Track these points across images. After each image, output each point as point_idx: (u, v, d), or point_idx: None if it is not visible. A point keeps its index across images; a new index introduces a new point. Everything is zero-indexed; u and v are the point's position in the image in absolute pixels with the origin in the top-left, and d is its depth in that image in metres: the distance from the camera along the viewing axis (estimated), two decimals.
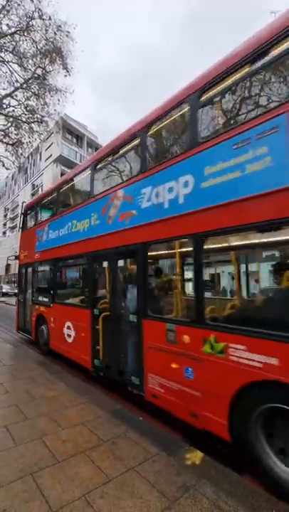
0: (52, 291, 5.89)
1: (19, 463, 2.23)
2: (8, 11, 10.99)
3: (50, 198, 6.50)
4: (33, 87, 12.70)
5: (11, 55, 11.72)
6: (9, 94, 12.35)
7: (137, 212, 3.57)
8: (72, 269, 5.91)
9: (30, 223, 7.45)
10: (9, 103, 12.66)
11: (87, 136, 53.90)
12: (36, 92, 12.74)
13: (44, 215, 6.75)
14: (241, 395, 2.29)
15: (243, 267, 3.35)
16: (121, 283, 4.20)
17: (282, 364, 2.02)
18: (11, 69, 11.91)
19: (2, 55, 11.57)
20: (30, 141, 13.66)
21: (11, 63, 11.85)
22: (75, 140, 51.67)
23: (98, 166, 4.59)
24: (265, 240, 2.87)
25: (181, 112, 3.25)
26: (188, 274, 3.08)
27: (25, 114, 13.06)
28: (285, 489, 2.02)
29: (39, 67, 12.31)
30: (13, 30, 11.30)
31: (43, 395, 3.65)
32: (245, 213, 2.37)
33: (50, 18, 11.45)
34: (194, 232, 2.79)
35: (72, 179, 5.63)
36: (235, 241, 3.09)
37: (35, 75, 12.35)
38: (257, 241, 2.94)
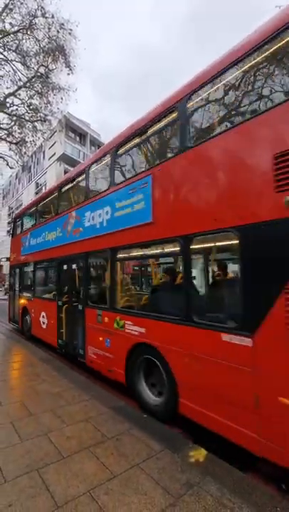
0: (32, 288, 7.28)
1: (25, 458, 2.25)
2: (11, 10, 10.98)
3: (31, 210, 7.87)
4: (36, 85, 12.71)
5: (14, 53, 11.73)
6: (12, 93, 12.38)
7: (83, 229, 4.81)
8: (46, 270, 7.11)
9: (18, 231, 8.83)
10: (12, 102, 12.69)
11: (90, 134, 53.85)
12: (39, 91, 12.75)
13: (28, 225, 8.12)
14: (130, 353, 3.60)
15: (137, 272, 4.88)
16: (75, 281, 5.49)
17: (147, 332, 3.36)
18: (14, 68, 11.93)
19: (5, 53, 11.59)
20: (33, 140, 13.69)
21: (14, 62, 11.88)
22: (78, 138, 51.66)
23: (62, 190, 5.95)
24: (148, 253, 4.12)
25: (106, 160, 4.52)
26: (108, 276, 4.27)
27: (29, 113, 13.08)
28: (151, 407, 3.31)
29: (42, 65, 12.31)
30: (16, 28, 11.30)
31: (48, 391, 3.68)
32: (134, 236, 3.65)
33: (52, 16, 11.43)
34: (111, 246, 4.08)
35: (45, 198, 6.96)
36: (134, 252, 4.20)
37: (38, 74, 12.36)
38: (142, 253, 4.17)
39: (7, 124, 13.29)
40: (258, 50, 2.45)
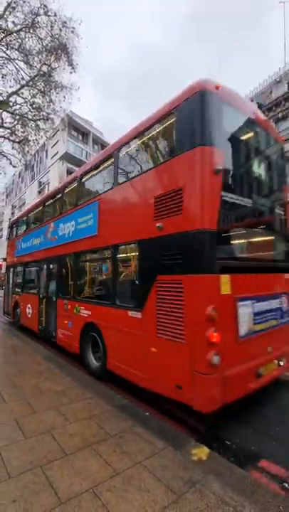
0: (22, 285, 8.66)
1: (29, 455, 2.27)
2: (13, 8, 10.97)
3: (23, 219, 9.40)
4: (38, 84, 12.71)
5: (16, 52, 11.73)
6: (15, 92, 12.38)
7: (57, 237, 6.12)
8: (32, 270, 8.18)
9: (13, 235, 10.33)
10: (15, 101, 12.70)
11: (93, 133, 53.78)
12: (42, 90, 12.75)
13: (20, 231, 9.55)
14: (82, 330, 4.87)
15: (90, 270, 5.77)
16: (51, 279, 6.63)
17: (92, 313, 4.66)
18: (17, 66, 11.93)
19: (8, 52, 11.59)
20: (36, 139, 13.71)
21: (17, 61, 11.88)
22: (80, 137, 51.61)
23: (46, 204, 7.47)
24: (97, 256, 5.32)
25: (73, 185, 5.99)
26: (72, 274, 5.69)
27: (32, 112, 13.09)
28: (93, 369, 4.55)
29: (44, 64, 12.30)
30: (18, 27, 11.29)
31: (51, 388, 3.70)
32: (88, 244, 4.96)
33: (55, 15, 11.41)
34: (74, 251, 5.44)
35: (33, 209, 8.53)
36: (89, 256, 5.38)
37: (41, 72, 12.35)
38: (94, 256, 5.37)
39: (10, 123, 13.31)
40: (136, 139, 4.21)
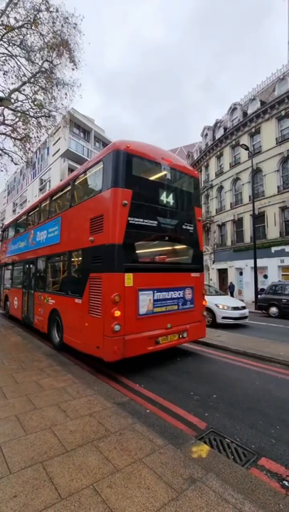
0: (11, 280, 10.42)
1: (30, 451, 2.28)
2: (15, 4, 10.90)
3: (13, 224, 11.31)
4: (40, 81, 12.65)
5: (18, 49, 11.67)
6: (17, 89, 12.34)
7: (35, 243, 7.86)
8: (19, 268, 9.70)
9: (4, 238, 12.35)
10: (17, 98, 12.66)
11: (95, 131, 53.61)
12: (44, 86, 12.69)
13: (11, 234, 11.33)
14: (49, 315, 6.44)
15: (56, 269, 7.05)
16: (31, 276, 8.22)
17: (55, 302, 6.29)
18: (18, 63, 11.87)
19: (10, 49, 11.53)
20: (38, 136, 13.68)
21: (18, 57, 11.82)
22: (82, 134, 51.47)
23: (29, 214, 9.27)
24: (59, 259, 6.62)
25: (45, 202, 7.71)
26: (45, 272, 7.35)
27: (33, 109, 13.05)
28: (56, 343, 6.12)
29: (46, 60, 12.23)
30: (20, 23, 11.23)
31: (52, 385, 3.72)
32: (55, 249, 6.54)
33: (57, 10, 11.33)
34: (46, 254, 7.07)
35: (20, 218, 10.50)
36: (54, 258, 6.85)
37: (43, 69, 12.29)
38: (57, 259, 6.72)
39: (12, 120, 13.28)
40: (68, 185, 6.44)
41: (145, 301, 4.75)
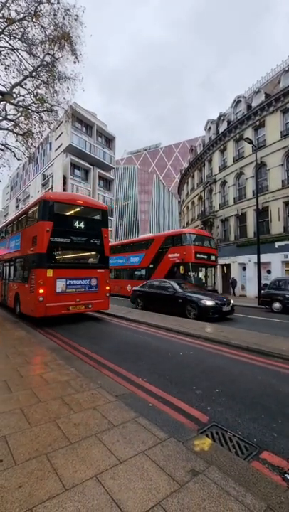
0: (2, 274, 13.44)
1: (34, 443, 2.32)
2: None
3: None
4: (42, 74, 12.53)
5: (19, 42, 11.55)
6: (19, 83, 12.24)
7: (10, 248, 11.85)
8: (2, 265, 13.24)
9: None
10: (19, 92, 12.58)
11: (97, 125, 53.18)
12: (45, 80, 12.58)
13: None
14: (15, 296, 10.37)
15: (19, 266, 10.56)
16: (8, 271, 11.87)
17: (17, 287, 10.27)
18: (20, 57, 11.76)
19: (11, 42, 11.41)
20: (40, 131, 13.60)
21: (19, 51, 11.70)
22: (84, 129, 51.10)
23: (8, 227, 13.14)
24: (20, 260, 10.27)
25: (13, 222, 12.27)
26: (13, 269, 11.30)
27: (35, 104, 12.96)
28: (17, 313, 10.01)
29: (48, 54, 12.10)
30: (21, 16, 11.09)
31: (56, 379, 3.77)
32: (17, 253, 10.74)
33: (58, 2, 11.16)
34: (13, 257, 11.24)
35: (1, 229, 14.78)
36: (18, 259, 10.60)
37: (44, 62, 12.17)
38: (19, 260, 10.46)
39: (14, 115, 13.21)
40: (24, 215, 10.71)
41: (60, 285, 8.46)
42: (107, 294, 9.85)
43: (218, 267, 26.04)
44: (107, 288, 9.85)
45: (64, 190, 48.08)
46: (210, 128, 29.48)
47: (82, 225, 9.23)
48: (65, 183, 48.30)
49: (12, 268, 11.30)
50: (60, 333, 7.41)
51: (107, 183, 57.43)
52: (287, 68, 20.82)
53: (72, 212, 9.29)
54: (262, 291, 14.27)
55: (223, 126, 26.14)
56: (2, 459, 2.12)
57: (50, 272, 8.22)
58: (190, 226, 34.63)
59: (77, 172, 50.52)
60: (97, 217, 9.97)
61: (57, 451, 2.23)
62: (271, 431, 2.83)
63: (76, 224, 9.10)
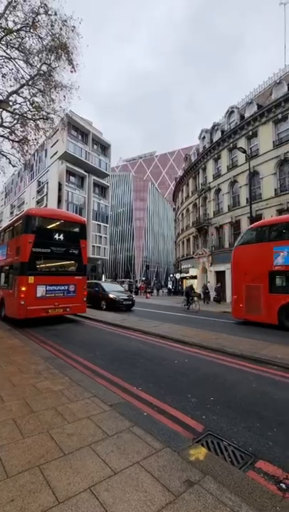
0: None
1: (27, 455, 2.27)
2: (14, 7, 10.94)
3: None
4: (38, 83, 12.68)
5: (17, 51, 11.70)
6: (15, 91, 12.35)
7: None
8: None
9: None
10: (15, 100, 12.67)
11: (92, 133, 53.66)
12: (42, 89, 12.71)
13: None
14: (0, 300, 11.13)
15: (5, 274, 11.40)
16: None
17: (2, 293, 11.03)
18: (17, 66, 11.90)
19: (8, 51, 11.56)
20: (36, 139, 13.67)
21: (17, 60, 11.85)
22: (80, 137, 51.52)
23: None
24: (6, 268, 11.25)
25: (2, 233, 13.14)
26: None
27: (31, 111, 13.06)
28: (1, 317, 10.83)
29: (45, 63, 12.27)
30: (19, 26, 11.27)
31: (49, 388, 3.71)
32: (3, 263, 11.65)
33: (55, 14, 11.37)
34: (1, 265, 11.95)
35: None
36: (4, 268, 11.56)
37: (41, 72, 12.32)
38: (5, 268, 11.38)
39: (10, 122, 13.28)
40: (10, 227, 11.67)
41: (40, 290, 9.33)
42: (84, 299, 10.89)
43: (213, 273, 26.19)
44: (85, 293, 10.88)
45: (59, 196, 48.08)
46: (204, 137, 30.04)
47: (61, 237, 10.20)
48: (60, 189, 48.33)
49: None
50: (53, 340, 7.31)
51: (103, 190, 57.66)
52: (278, 81, 21.49)
53: (53, 225, 10.30)
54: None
55: (217, 136, 26.66)
56: None
57: (31, 279, 9.16)
58: (185, 233, 34.87)
59: (72, 179, 50.66)
60: (76, 229, 10.97)
61: (50, 462, 2.18)
62: (266, 439, 2.83)
63: (56, 236, 10.11)
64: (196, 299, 17.74)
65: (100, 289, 15.85)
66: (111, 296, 15.03)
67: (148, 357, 5.90)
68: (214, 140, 27.10)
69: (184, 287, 27.60)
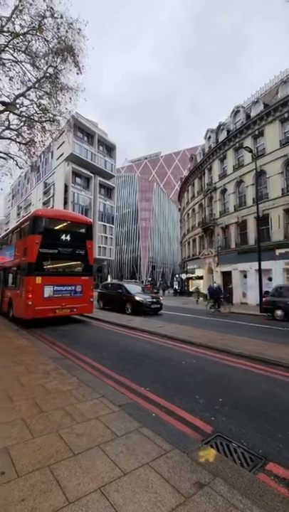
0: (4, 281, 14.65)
1: (37, 454, 2.29)
2: (20, 11, 11.07)
3: None
4: (45, 86, 12.80)
5: (23, 54, 11.83)
6: (22, 94, 12.49)
7: (10, 258, 12.10)
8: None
9: None
10: (22, 103, 12.82)
11: (98, 134, 53.91)
12: (48, 91, 12.83)
13: None
14: (8, 302, 11.10)
15: (13, 274, 11.41)
16: (3, 278, 12.84)
17: (10, 294, 11.16)
18: (23, 69, 12.04)
19: (15, 55, 11.70)
20: (42, 140, 13.80)
21: (23, 63, 11.98)
22: (86, 138, 51.83)
23: (4, 239, 14.55)
24: (14, 269, 11.14)
25: (8, 236, 13.89)
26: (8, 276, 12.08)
27: (38, 114, 13.19)
28: (10, 318, 10.68)
29: (51, 66, 12.38)
30: (25, 29, 11.40)
31: (58, 389, 3.73)
32: (12, 263, 11.46)
33: (61, 17, 11.47)
34: (10, 265, 11.67)
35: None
36: (12, 268, 11.44)
37: (47, 74, 12.44)
38: (13, 269, 11.31)
39: (17, 124, 13.44)
40: (18, 228, 11.82)
41: (48, 290, 9.35)
42: (91, 299, 10.79)
43: (219, 274, 26.02)
44: (91, 293, 10.84)
45: (65, 198, 48.41)
46: (210, 137, 29.89)
47: (68, 237, 10.24)
48: (66, 191, 48.69)
49: (6, 276, 12.13)
50: (60, 340, 7.36)
51: (108, 191, 57.88)
52: (285, 79, 21.25)
53: (60, 226, 10.34)
54: (263, 299, 14.21)
55: (223, 136, 26.50)
56: (4, 471, 2.09)
57: (38, 280, 9.18)
58: (191, 233, 34.75)
59: (78, 180, 50.99)
60: (83, 230, 11.00)
61: (60, 462, 2.20)
62: (276, 441, 2.79)
63: (63, 237, 10.15)
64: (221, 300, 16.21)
65: (124, 290, 14.36)
66: (137, 298, 13.41)
67: (155, 357, 5.90)
68: (220, 140, 26.94)
69: (206, 287, 26.19)
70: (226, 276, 25.11)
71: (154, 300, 13.84)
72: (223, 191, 26.33)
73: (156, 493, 1.88)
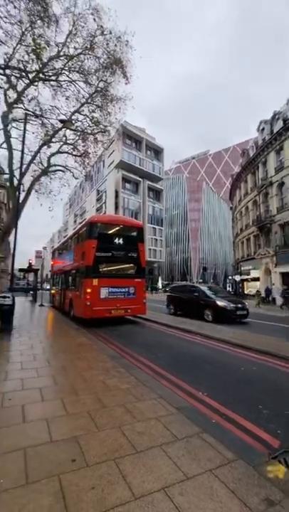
0: (54, 284, 18.42)
1: (102, 447, 2.43)
2: (74, 35, 12.02)
3: (56, 249, 19.65)
4: (96, 99, 13.62)
5: (77, 74, 12.82)
6: (77, 110, 13.52)
7: (69, 261, 13.15)
8: (60, 276, 15.46)
9: (54, 257, 19.31)
10: (77, 118, 13.86)
11: (146, 139, 55.03)
12: (100, 104, 13.63)
13: (56, 254, 18.62)
14: (69, 302, 12.31)
15: (73, 276, 12.47)
16: (64, 280, 14.21)
17: (71, 295, 12.25)
18: (77, 87, 13.02)
19: (70, 75, 12.73)
20: (95, 151, 14.70)
21: (77, 81, 12.97)
22: (134, 144, 53.40)
23: (64, 245, 16.40)
24: (73, 271, 12.47)
25: (67, 242, 15.43)
26: (66, 279, 13.94)
27: (90, 126, 14.10)
28: (71, 317, 11.66)
29: (102, 80, 13.13)
30: (79, 51, 12.34)
31: (117, 386, 3.89)
32: (72, 267, 12.45)
33: (110, 32, 12.12)
34: (70, 268, 12.86)
35: (56, 250, 19.48)
36: (72, 271, 12.68)
37: (98, 89, 13.22)
38: (73, 272, 12.57)
39: (72, 139, 14.56)
40: (76, 234, 12.92)
41: (104, 292, 9.90)
42: (144, 301, 11.11)
43: (278, 275, 23.99)
44: (144, 295, 11.20)
45: (116, 203, 50.54)
46: (263, 128, 27.97)
47: (121, 241, 10.78)
48: (116, 196, 50.84)
49: (67, 278, 13.22)
50: (117, 340, 7.67)
51: (157, 194, 58.54)
52: None
53: (113, 230, 10.96)
54: None
55: (278, 125, 24.51)
56: (75, 458, 2.26)
57: (95, 281, 9.80)
58: (244, 232, 32.90)
59: (127, 185, 52.79)
60: (134, 233, 11.52)
61: (124, 458, 2.28)
62: None
63: (116, 240, 10.70)
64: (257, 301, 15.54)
65: (201, 294, 12.62)
66: (219, 303, 11.57)
67: (211, 361, 5.72)
68: (275, 130, 24.97)
69: (263, 289, 24.54)
70: (286, 277, 23.01)
71: (240, 305, 11.86)
72: (281, 185, 24.30)
73: (221, 503, 1.82)
